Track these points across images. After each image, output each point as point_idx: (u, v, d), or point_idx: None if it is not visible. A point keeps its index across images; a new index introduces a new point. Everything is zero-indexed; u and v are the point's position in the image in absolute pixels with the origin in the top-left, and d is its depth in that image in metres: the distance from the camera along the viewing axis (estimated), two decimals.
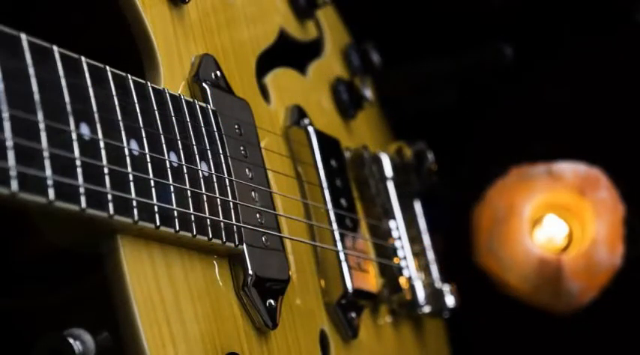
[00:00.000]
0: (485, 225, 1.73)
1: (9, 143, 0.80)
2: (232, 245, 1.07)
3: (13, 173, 0.80)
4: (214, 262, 1.08)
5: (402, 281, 1.46)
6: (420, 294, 1.48)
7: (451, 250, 1.66)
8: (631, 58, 1.84)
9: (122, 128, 0.94)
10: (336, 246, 1.29)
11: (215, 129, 1.10)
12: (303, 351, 1.20)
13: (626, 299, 1.76)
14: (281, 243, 1.17)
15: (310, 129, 1.33)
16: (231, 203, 1.08)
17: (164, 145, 1.00)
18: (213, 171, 1.07)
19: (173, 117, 1.03)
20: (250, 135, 1.18)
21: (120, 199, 0.91)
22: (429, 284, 1.52)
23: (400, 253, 1.47)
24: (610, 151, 1.77)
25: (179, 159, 1.02)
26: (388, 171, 1.50)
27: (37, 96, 0.84)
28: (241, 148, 1.15)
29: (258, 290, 1.11)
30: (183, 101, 1.06)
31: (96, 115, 0.91)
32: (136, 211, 0.93)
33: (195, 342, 1.01)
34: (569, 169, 1.73)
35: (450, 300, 1.53)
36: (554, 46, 1.85)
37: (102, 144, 0.91)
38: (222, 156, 1.09)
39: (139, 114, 0.98)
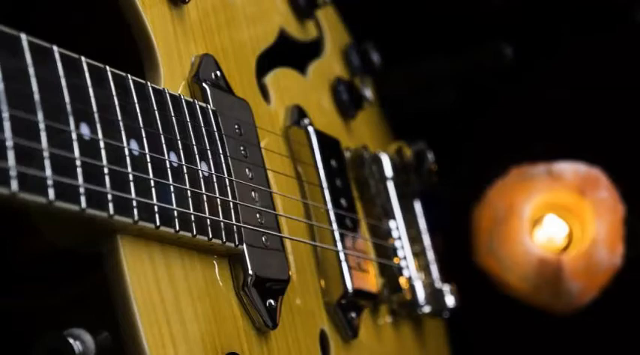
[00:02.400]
0: (485, 225, 1.73)
1: (9, 143, 0.80)
2: (232, 245, 1.07)
3: (13, 173, 0.80)
4: (214, 262, 1.08)
5: (402, 281, 1.46)
6: (420, 294, 1.48)
7: (451, 250, 1.66)
8: (631, 58, 1.84)
9: (122, 128, 0.94)
10: (336, 246, 1.29)
11: (215, 129, 1.10)
12: (303, 351, 1.20)
13: (626, 299, 1.76)
14: (281, 243, 1.17)
15: (310, 129, 1.33)
16: (231, 203, 1.08)
17: (164, 145, 1.00)
18: (213, 171, 1.07)
19: (173, 117, 1.03)
20: (250, 135, 1.18)
21: (120, 199, 0.91)
22: (429, 284, 1.52)
23: (400, 253, 1.47)
24: (610, 151, 1.77)
25: (179, 159, 1.02)
26: (388, 171, 1.50)
27: (37, 96, 0.84)
28: (241, 148, 1.15)
29: (258, 290, 1.11)
30: (183, 101, 1.06)
31: (96, 115, 0.91)
32: (136, 211, 0.93)
33: (195, 342, 1.01)
34: (569, 169, 1.73)
35: (450, 300, 1.53)
36: (554, 46, 1.85)
37: (102, 144, 0.91)
38: (222, 156, 1.09)
39: (138, 114, 0.98)
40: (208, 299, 1.05)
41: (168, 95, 1.04)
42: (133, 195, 0.93)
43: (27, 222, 0.88)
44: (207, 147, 1.07)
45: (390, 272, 1.44)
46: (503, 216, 1.71)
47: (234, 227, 1.08)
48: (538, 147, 1.76)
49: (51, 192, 0.83)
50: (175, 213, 0.98)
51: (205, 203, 1.03)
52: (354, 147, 1.48)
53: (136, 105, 0.98)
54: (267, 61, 1.32)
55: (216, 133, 1.10)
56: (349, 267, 1.29)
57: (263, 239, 1.13)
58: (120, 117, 0.94)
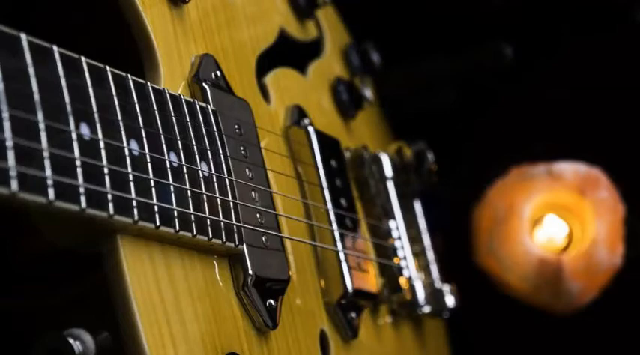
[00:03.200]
0: (485, 225, 1.73)
1: (9, 143, 0.80)
2: (232, 245, 1.07)
3: (13, 173, 0.80)
4: (214, 262, 1.08)
5: (402, 281, 1.46)
6: (420, 294, 1.48)
7: (451, 250, 1.66)
8: (631, 58, 1.84)
9: (122, 128, 0.94)
10: (336, 246, 1.29)
11: (215, 129, 1.10)
12: (303, 351, 1.20)
13: (626, 299, 1.76)
14: (281, 243, 1.17)
15: (310, 129, 1.33)
16: (231, 203, 1.08)
17: (164, 145, 1.00)
18: (213, 171, 1.07)
19: (173, 117, 1.03)
20: (250, 135, 1.18)
21: (120, 199, 0.91)
22: (429, 284, 1.52)
23: (400, 253, 1.47)
24: (610, 151, 1.77)
25: (179, 159, 1.02)
26: (388, 171, 1.50)
27: (37, 96, 0.84)
28: (241, 148, 1.15)
29: (258, 290, 1.11)
30: (183, 101, 1.06)
31: (96, 115, 0.91)
32: (136, 211, 0.93)
33: (195, 342, 1.01)
34: (569, 169, 1.73)
35: (450, 300, 1.53)
36: (554, 46, 1.85)
37: (102, 144, 0.91)
38: (222, 156, 1.09)
39: (138, 114, 0.98)
40: (208, 299, 1.05)
41: (168, 95, 1.04)
42: (133, 195, 0.93)
43: (27, 222, 0.88)
44: (207, 147, 1.07)
45: (390, 272, 1.44)
46: (503, 216, 1.71)
47: (234, 227, 1.08)
48: (538, 147, 1.76)
49: (51, 192, 0.83)
50: (175, 213, 0.98)
51: (205, 203, 1.03)
52: (354, 147, 1.48)
53: (136, 105, 0.98)
54: (267, 61, 1.32)
55: (216, 133, 1.10)
56: (349, 267, 1.29)
57: (263, 239, 1.13)
58: (120, 117, 0.94)
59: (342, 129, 1.50)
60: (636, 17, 1.84)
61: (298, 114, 1.35)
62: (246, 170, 1.14)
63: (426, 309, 1.50)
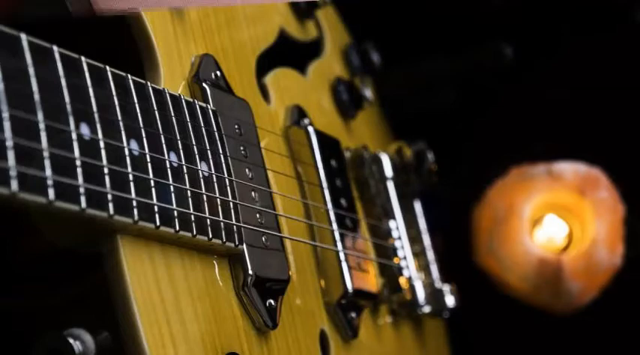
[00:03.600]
0: (485, 225, 1.73)
1: (9, 143, 0.80)
2: (232, 245, 1.07)
3: (13, 173, 0.80)
4: (214, 262, 1.08)
5: (402, 281, 1.46)
6: (420, 294, 1.48)
7: (451, 250, 1.66)
8: (631, 58, 1.84)
9: (122, 128, 0.94)
10: (336, 246, 1.29)
11: (215, 129, 1.10)
12: (303, 351, 1.20)
13: (626, 299, 1.76)
14: (281, 243, 1.17)
15: (310, 129, 1.33)
16: (231, 203, 1.08)
17: (164, 145, 1.00)
18: (213, 171, 1.07)
19: (173, 117, 1.03)
20: (250, 135, 1.18)
21: (120, 199, 0.91)
22: (429, 284, 1.52)
23: (400, 253, 1.47)
24: (610, 151, 1.77)
25: (179, 159, 1.02)
26: (388, 171, 1.50)
27: (37, 96, 0.84)
28: (241, 148, 1.15)
29: (258, 290, 1.11)
30: (183, 101, 1.06)
31: (96, 115, 0.91)
32: (135, 211, 0.93)
33: (195, 342, 1.01)
34: (569, 169, 1.73)
35: (450, 300, 1.53)
36: (554, 46, 1.86)
37: (102, 144, 0.91)
38: (222, 156, 1.09)
39: (138, 114, 0.98)
40: (208, 299, 1.05)
41: (168, 95, 1.04)
42: (133, 195, 0.93)
43: (27, 222, 0.88)
44: (207, 147, 1.07)
45: (390, 272, 1.44)
46: (503, 216, 1.71)
47: (234, 227, 1.08)
48: (538, 147, 1.76)
49: (51, 192, 0.83)
50: (175, 213, 0.98)
51: (205, 203, 1.03)
52: (354, 147, 1.48)
53: (136, 105, 0.98)
54: (267, 61, 1.32)
55: (216, 133, 1.10)
56: (349, 267, 1.29)
57: (263, 239, 1.13)
58: (120, 117, 0.94)
59: (342, 129, 1.50)
60: (636, 17, 1.84)
61: (298, 114, 1.35)
62: (246, 170, 1.14)
63: (426, 309, 1.50)
